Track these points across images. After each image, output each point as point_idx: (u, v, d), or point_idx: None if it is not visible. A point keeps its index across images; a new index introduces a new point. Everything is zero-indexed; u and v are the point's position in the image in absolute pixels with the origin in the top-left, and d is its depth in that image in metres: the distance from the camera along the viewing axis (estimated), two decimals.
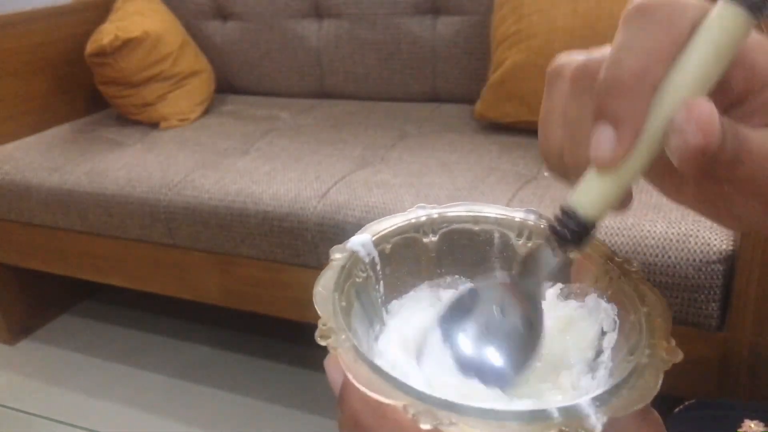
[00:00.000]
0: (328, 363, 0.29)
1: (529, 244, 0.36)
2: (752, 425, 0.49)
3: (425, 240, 0.36)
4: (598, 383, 0.29)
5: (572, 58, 0.30)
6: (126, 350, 1.67)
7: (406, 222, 0.36)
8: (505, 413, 0.23)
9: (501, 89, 1.39)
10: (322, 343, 0.26)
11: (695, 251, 0.93)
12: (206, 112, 1.78)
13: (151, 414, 1.45)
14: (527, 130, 1.40)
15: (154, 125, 1.69)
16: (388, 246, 0.34)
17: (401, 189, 1.18)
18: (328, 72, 1.81)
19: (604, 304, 0.32)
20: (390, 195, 1.17)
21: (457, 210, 0.37)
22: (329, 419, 1.39)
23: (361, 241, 0.33)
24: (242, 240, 1.27)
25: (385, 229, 0.35)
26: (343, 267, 0.31)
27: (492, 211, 0.37)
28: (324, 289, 0.30)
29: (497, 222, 0.36)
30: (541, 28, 1.32)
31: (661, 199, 1.03)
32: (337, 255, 0.32)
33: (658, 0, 0.25)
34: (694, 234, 0.94)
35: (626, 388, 0.24)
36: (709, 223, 0.95)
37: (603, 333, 0.32)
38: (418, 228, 0.36)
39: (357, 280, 0.32)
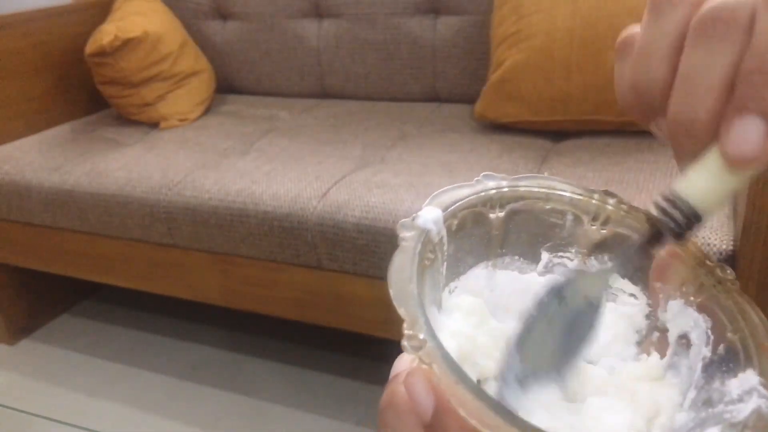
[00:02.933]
0: (415, 379, 0.22)
1: (604, 231, 0.32)
2: None
3: (491, 216, 0.32)
4: (689, 401, 0.26)
5: None
6: (126, 350, 1.67)
7: (475, 195, 0.31)
8: None
9: (501, 89, 1.39)
10: (412, 354, 0.22)
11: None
12: (206, 112, 1.78)
13: (151, 414, 1.45)
14: (527, 130, 1.40)
15: (154, 125, 1.69)
16: (455, 222, 0.30)
17: (401, 189, 1.18)
18: (328, 72, 1.81)
19: (693, 313, 0.28)
20: (390, 195, 1.17)
21: (529, 184, 0.33)
22: (329, 419, 1.39)
23: (432, 217, 0.29)
24: (242, 240, 1.27)
25: (453, 203, 0.30)
26: (414, 249, 0.27)
27: (567, 188, 0.33)
28: (399, 279, 0.25)
29: (571, 202, 0.33)
30: (541, 28, 1.32)
31: None
32: (406, 233, 0.28)
33: None
34: (695, 234, 0.94)
35: (751, 429, 0.22)
36: (709, 223, 0.95)
37: (688, 344, 0.28)
38: (486, 202, 0.32)
39: (426, 263, 0.28)
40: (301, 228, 1.20)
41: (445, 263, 0.30)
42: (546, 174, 1.08)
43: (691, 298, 0.29)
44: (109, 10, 1.75)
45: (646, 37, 0.26)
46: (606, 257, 0.31)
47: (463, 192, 0.31)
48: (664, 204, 0.26)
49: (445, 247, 0.30)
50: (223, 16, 1.89)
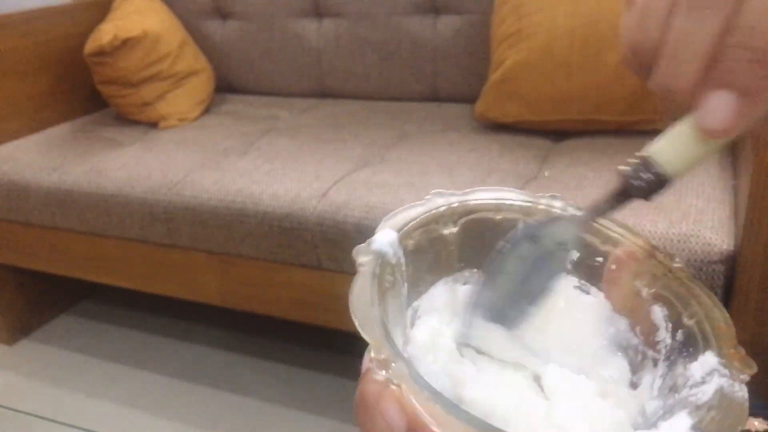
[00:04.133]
0: (387, 400, 0.22)
1: None
2: (756, 423, 0.49)
3: (446, 232, 0.33)
4: (656, 390, 0.27)
5: None
6: (125, 350, 1.67)
7: (427, 212, 0.32)
8: None
9: (501, 89, 1.38)
10: (382, 377, 0.22)
11: (696, 251, 0.93)
12: (206, 111, 1.77)
13: (151, 414, 1.45)
14: (528, 129, 1.39)
15: (153, 125, 1.69)
16: (411, 242, 0.31)
17: (401, 189, 1.18)
18: (328, 72, 1.80)
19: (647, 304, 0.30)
20: (390, 195, 1.16)
21: (479, 197, 0.33)
22: (329, 419, 1.39)
23: (388, 240, 0.29)
24: (242, 240, 1.26)
25: (406, 223, 0.31)
26: (373, 273, 0.27)
27: (515, 197, 0.34)
28: (361, 305, 0.25)
29: (522, 210, 0.33)
30: (541, 27, 1.32)
31: (661, 199, 1.03)
32: (363, 258, 0.28)
33: None
34: (695, 234, 0.94)
35: (716, 409, 0.23)
36: (710, 223, 0.95)
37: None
38: (438, 219, 0.32)
39: (386, 285, 0.28)
40: (301, 228, 1.19)
41: (406, 284, 0.31)
42: (546, 174, 1.09)
43: (646, 290, 0.30)
44: (108, 9, 1.75)
45: None
46: (579, 207, 0.32)
47: (415, 211, 0.32)
48: (637, 164, 0.27)
49: (404, 268, 0.30)
50: (223, 15, 1.89)
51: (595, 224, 0.33)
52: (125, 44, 1.58)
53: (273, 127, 1.62)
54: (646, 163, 0.27)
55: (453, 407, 0.21)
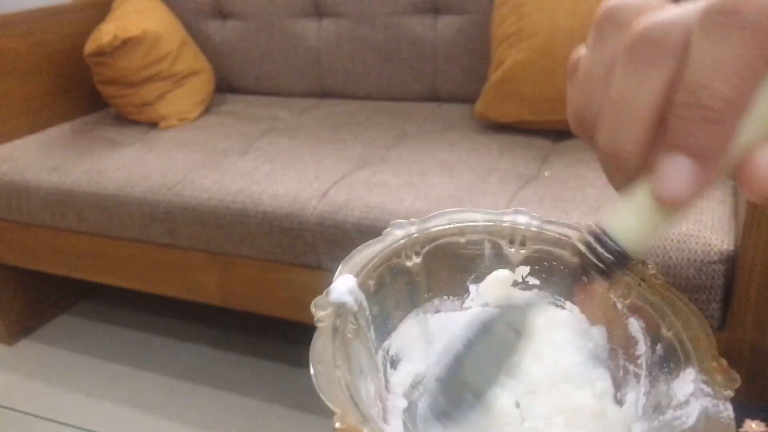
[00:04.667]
0: None
1: (523, 251, 0.32)
2: (753, 425, 0.49)
3: (409, 264, 0.31)
4: (640, 408, 0.26)
5: (631, 6, 0.23)
6: (125, 350, 1.67)
7: (386, 247, 0.31)
8: None
9: (501, 89, 1.38)
10: None
11: (696, 251, 0.93)
12: (206, 111, 1.77)
13: (151, 414, 1.45)
14: (528, 129, 1.39)
15: (153, 125, 1.69)
16: (372, 282, 0.30)
17: (401, 189, 1.18)
18: (328, 72, 1.80)
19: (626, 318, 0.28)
20: (390, 195, 1.16)
21: (440, 222, 0.32)
22: (329, 419, 1.39)
23: (346, 287, 0.28)
24: (242, 240, 1.26)
25: (366, 263, 0.29)
26: (334, 329, 0.26)
27: (478, 217, 0.32)
28: (323, 367, 0.24)
29: (486, 230, 0.32)
30: (541, 27, 1.32)
31: None
32: (321, 312, 0.27)
33: (745, 1, 0.20)
34: (695, 234, 0.94)
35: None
36: (710, 223, 0.95)
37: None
38: (399, 252, 0.31)
39: (349, 336, 0.27)
40: (301, 228, 1.19)
41: (372, 326, 0.30)
42: (546, 174, 1.08)
43: (621, 300, 0.28)
44: (108, 9, 1.75)
45: (587, 61, 0.25)
46: (536, 285, 0.30)
47: (373, 249, 0.31)
48: (592, 240, 0.25)
49: (368, 312, 0.29)
50: (223, 15, 1.89)
51: (560, 237, 0.31)
52: (125, 44, 1.58)
53: (273, 127, 1.62)
54: (602, 241, 0.24)
55: None
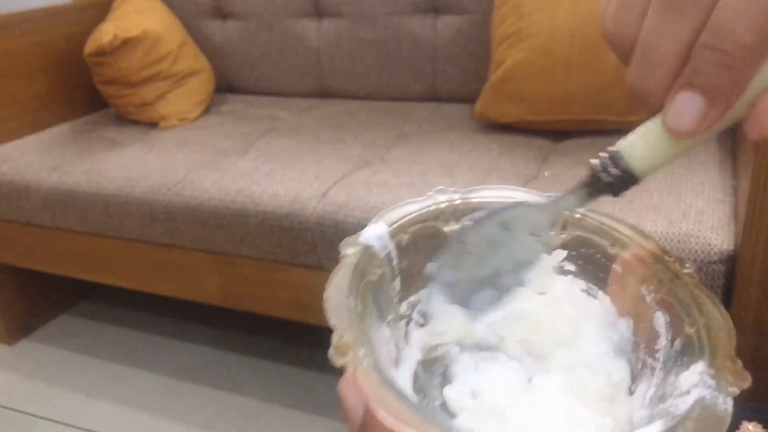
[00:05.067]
0: (345, 386, 0.23)
1: (563, 235, 0.33)
2: (750, 427, 0.49)
3: (446, 229, 0.32)
4: (647, 399, 0.26)
5: None
6: (125, 350, 1.67)
7: (425, 209, 0.32)
8: None
9: (501, 89, 1.38)
10: (339, 362, 0.22)
11: (696, 251, 0.93)
12: (206, 111, 1.77)
13: (150, 414, 1.45)
14: (528, 129, 1.39)
15: (153, 125, 1.69)
16: (406, 237, 0.31)
17: (401, 189, 1.18)
18: (328, 72, 1.80)
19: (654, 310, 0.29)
20: (390, 195, 1.16)
21: (482, 195, 0.33)
22: (329, 419, 1.39)
23: (376, 233, 0.29)
24: (242, 240, 1.26)
25: (401, 218, 0.31)
26: (356, 265, 0.27)
27: (519, 196, 0.33)
28: (336, 293, 0.25)
29: None
30: (541, 27, 1.32)
31: (661, 199, 1.03)
32: (349, 250, 0.28)
33: None
34: (695, 234, 0.94)
35: (693, 420, 0.22)
36: (710, 223, 0.95)
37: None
38: (438, 215, 0.32)
39: (371, 278, 0.28)
40: (301, 228, 1.19)
41: (398, 278, 0.30)
42: (546, 174, 1.08)
43: (651, 295, 0.29)
44: (108, 9, 1.75)
45: None
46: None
47: (412, 207, 0.32)
48: (606, 159, 0.27)
49: (395, 262, 0.30)
50: (223, 15, 1.89)
51: (602, 225, 0.32)
52: (125, 44, 1.58)
53: (273, 127, 1.62)
54: (615, 159, 0.27)
55: (400, 395, 0.21)
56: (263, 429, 1.39)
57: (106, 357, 1.65)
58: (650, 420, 0.24)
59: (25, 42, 1.68)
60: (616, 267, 0.31)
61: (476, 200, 0.33)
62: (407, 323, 0.31)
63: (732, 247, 0.92)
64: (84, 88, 1.79)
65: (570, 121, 1.34)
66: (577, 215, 0.32)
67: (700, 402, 0.22)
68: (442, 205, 0.32)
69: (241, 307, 1.39)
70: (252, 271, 1.29)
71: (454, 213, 0.32)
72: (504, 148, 1.34)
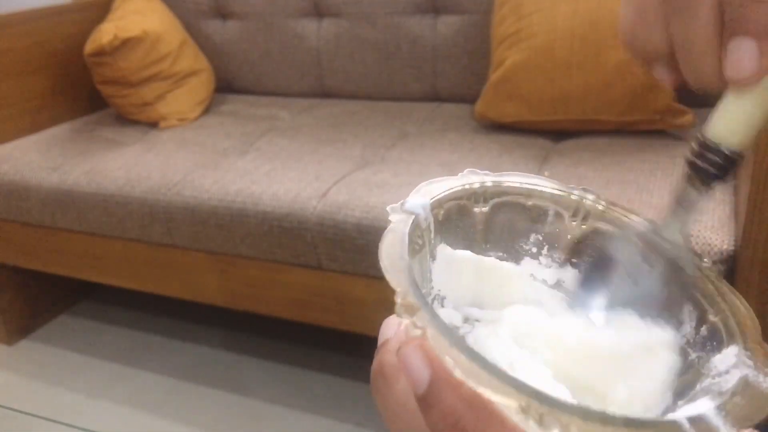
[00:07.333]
0: (410, 350, 0.21)
1: (584, 227, 0.33)
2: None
3: (476, 210, 0.32)
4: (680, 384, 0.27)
5: None
6: (125, 350, 1.67)
7: (461, 188, 0.32)
8: (633, 421, 0.20)
9: (501, 89, 1.38)
10: (406, 319, 0.21)
11: (696, 251, 0.93)
12: (206, 111, 1.77)
13: (150, 414, 1.45)
14: (528, 129, 1.39)
15: (153, 125, 1.69)
16: (441, 212, 0.31)
17: (401, 189, 1.18)
18: (328, 72, 1.80)
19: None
20: (390, 195, 1.16)
21: (513, 180, 0.33)
22: (329, 419, 1.39)
23: (421, 203, 0.29)
24: (242, 240, 1.26)
25: (440, 193, 0.31)
26: (405, 231, 0.27)
27: (548, 185, 0.33)
28: (393, 254, 0.25)
29: (553, 198, 0.33)
30: (541, 27, 1.32)
31: (661, 198, 1.03)
32: (396, 216, 0.28)
33: None
34: (695, 234, 0.94)
35: (740, 396, 0.22)
36: (709, 223, 0.95)
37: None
38: (471, 195, 0.32)
39: (415, 247, 0.28)
40: (301, 228, 1.19)
41: (430, 253, 0.30)
42: (546, 174, 1.08)
43: None
44: (108, 9, 1.75)
45: None
46: (677, 212, 0.32)
47: (449, 183, 0.32)
48: (700, 150, 0.27)
49: (432, 235, 0.30)
50: (223, 15, 1.89)
51: (624, 217, 0.33)
52: (125, 44, 1.58)
53: (273, 127, 1.62)
54: (710, 149, 0.27)
55: (476, 355, 0.20)
56: (263, 429, 1.39)
57: (106, 357, 1.65)
58: (691, 398, 0.24)
59: (25, 42, 1.68)
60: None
61: (506, 185, 0.33)
62: (433, 299, 0.31)
63: (732, 247, 0.92)
64: (84, 88, 1.79)
65: (570, 121, 1.34)
66: (600, 207, 0.33)
67: (744, 379, 0.23)
68: (475, 186, 0.32)
69: (241, 307, 1.39)
70: (252, 271, 1.29)
71: (485, 195, 0.32)
72: (504, 148, 1.34)
